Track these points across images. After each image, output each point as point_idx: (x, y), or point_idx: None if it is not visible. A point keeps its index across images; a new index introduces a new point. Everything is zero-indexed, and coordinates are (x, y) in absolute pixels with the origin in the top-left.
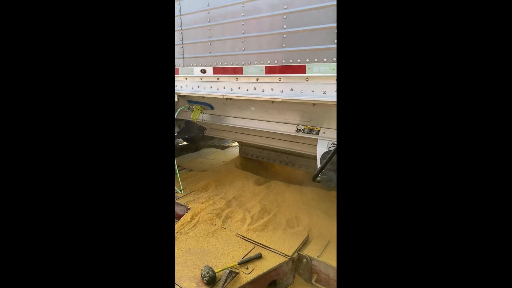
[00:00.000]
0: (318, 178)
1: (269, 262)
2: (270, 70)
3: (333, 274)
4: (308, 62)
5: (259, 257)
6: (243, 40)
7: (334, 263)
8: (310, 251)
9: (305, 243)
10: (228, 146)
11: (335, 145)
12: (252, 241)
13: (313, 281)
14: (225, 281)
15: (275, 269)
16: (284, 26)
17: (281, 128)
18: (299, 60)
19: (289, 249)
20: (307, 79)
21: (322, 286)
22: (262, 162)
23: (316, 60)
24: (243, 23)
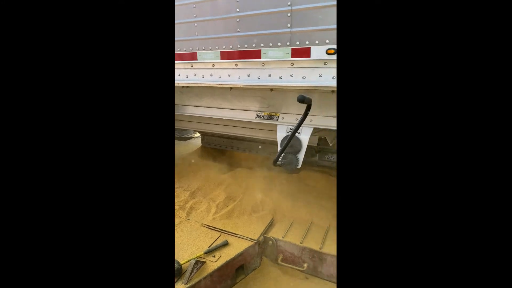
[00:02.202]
0: (278, 162)
1: (236, 248)
2: (226, 55)
3: (297, 252)
4: (263, 47)
5: (225, 244)
6: (195, 24)
7: (297, 241)
8: (275, 233)
9: (270, 226)
10: (190, 137)
11: (293, 130)
12: (218, 230)
13: (279, 260)
14: (192, 271)
15: (241, 254)
16: (237, 10)
17: (241, 115)
18: (254, 45)
19: (255, 233)
20: (263, 64)
21: (287, 264)
22: (226, 151)
23: (270, 44)
24: (194, 5)
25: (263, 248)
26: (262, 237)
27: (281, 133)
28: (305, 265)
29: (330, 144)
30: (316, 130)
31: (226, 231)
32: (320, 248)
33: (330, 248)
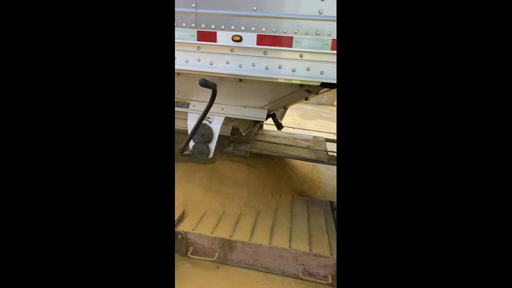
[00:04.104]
0: (187, 152)
1: None
2: None
3: (207, 243)
4: None
5: None
6: None
7: (208, 232)
8: (185, 226)
9: (180, 219)
10: None
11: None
12: None
13: (189, 254)
14: None
15: None
16: None
17: None
18: None
19: None
20: None
21: (197, 257)
22: None
23: (174, 24)
24: None
25: None
26: None
27: (192, 122)
28: (216, 254)
29: (243, 134)
30: (228, 120)
31: None
32: (230, 236)
33: (240, 234)
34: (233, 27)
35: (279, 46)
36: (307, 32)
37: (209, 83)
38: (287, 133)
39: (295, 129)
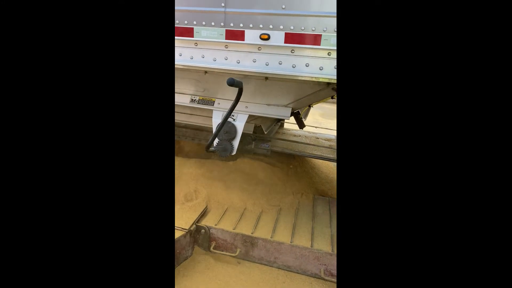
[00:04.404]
0: (211, 148)
1: None
2: None
3: (229, 239)
4: (195, 25)
5: None
6: None
7: (230, 228)
8: (208, 221)
9: (203, 214)
10: None
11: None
12: None
13: (211, 248)
14: None
15: None
16: None
17: (175, 98)
18: (186, 22)
19: (187, 222)
20: (196, 43)
21: (220, 251)
22: None
23: (204, 23)
24: None
25: (195, 237)
26: (194, 226)
27: (217, 119)
28: (238, 250)
29: (265, 132)
30: (251, 118)
31: None
32: (252, 233)
33: (262, 231)
34: (261, 26)
35: (307, 44)
36: (336, 30)
37: (236, 82)
38: (308, 132)
39: (317, 128)
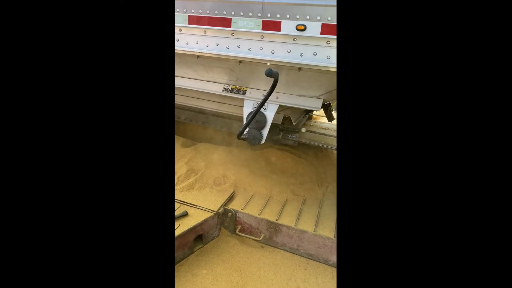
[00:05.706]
0: (242, 136)
1: (195, 218)
2: (195, 20)
3: (254, 223)
4: (233, 15)
5: (184, 214)
6: None
7: (256, 213)
8: (235, 205)
9: (231, 199)
10: None
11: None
12: (178, 201)
13: (237, 231)
14: None
15: (200, 224)
16: None
17: (207, 87)
18: (224, 12)
19: (215, 205)
20: (233, 33)
21: (245, 235)
22: (190, 125)
23: (241, 14)
24: None
25: (223, 219)
26: (222, 208)
27: (248, 108)
28: (262, 235)
29: (294, 123)
30: (281, 108)
31: (187, 202)
32: (276, 220)
33: (286, 219)
34: (298, 16)
35: None
36: None
37: (274, 73)
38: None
39: None
